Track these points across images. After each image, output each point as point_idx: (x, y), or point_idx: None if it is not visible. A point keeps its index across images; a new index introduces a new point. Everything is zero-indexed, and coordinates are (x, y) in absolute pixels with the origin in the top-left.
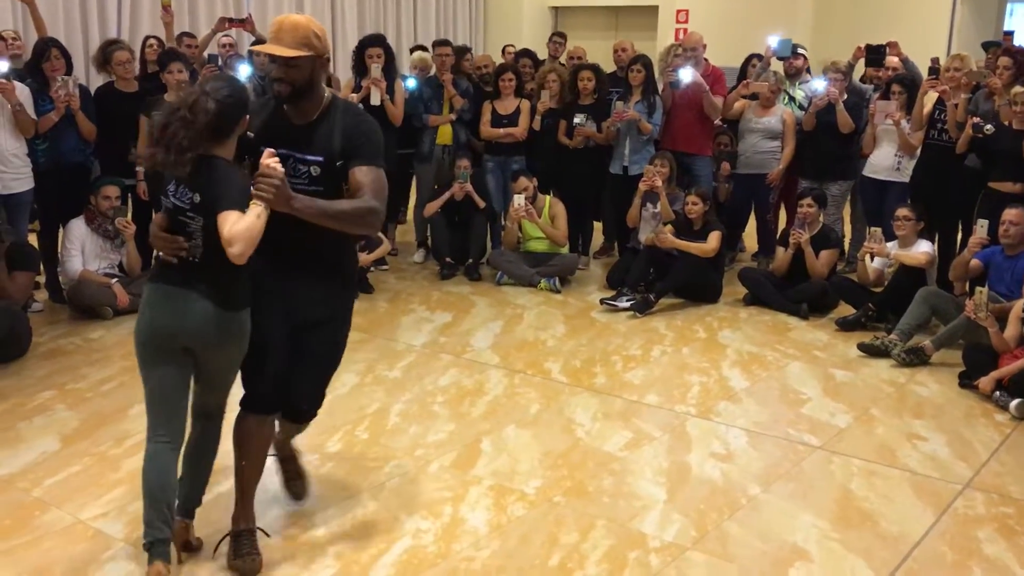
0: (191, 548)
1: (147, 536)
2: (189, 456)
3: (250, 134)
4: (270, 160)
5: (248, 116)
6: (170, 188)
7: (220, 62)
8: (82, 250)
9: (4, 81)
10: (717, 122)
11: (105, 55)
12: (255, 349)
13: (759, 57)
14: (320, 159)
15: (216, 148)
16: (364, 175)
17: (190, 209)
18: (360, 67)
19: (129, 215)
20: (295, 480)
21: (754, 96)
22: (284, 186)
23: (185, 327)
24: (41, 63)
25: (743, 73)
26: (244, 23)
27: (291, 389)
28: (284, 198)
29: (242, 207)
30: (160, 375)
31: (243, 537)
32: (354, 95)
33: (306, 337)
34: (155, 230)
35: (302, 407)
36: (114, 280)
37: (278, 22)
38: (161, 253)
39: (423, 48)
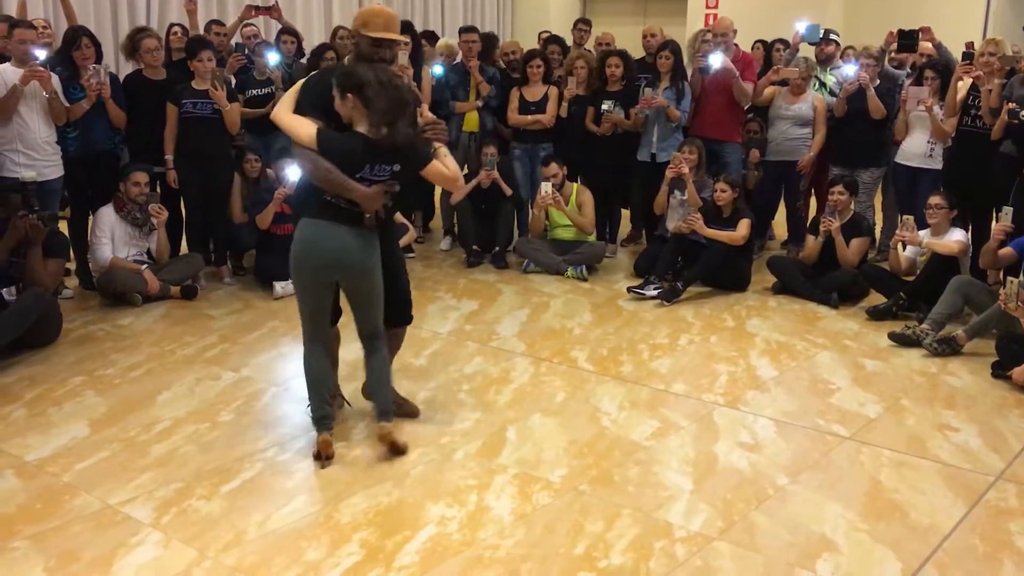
0: (399, 450)
1: (317, 412)
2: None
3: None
4: (428, 112)
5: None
6: (366, 171)
7: (247, 52)
8: (111, 237)
9: (41, 69)
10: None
11: (133, 43)
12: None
13: (784, 43)
14: None
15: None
16: None
17: (390, 177)
18: None
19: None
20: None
21: (784, 82)
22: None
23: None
24: (72, 51)
25: (768, 59)
26: (271, 11)
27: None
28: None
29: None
30: (315, 295)
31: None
32: None
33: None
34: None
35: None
36: (144, 266)
37: (385, 14)
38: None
39: (472, 29)
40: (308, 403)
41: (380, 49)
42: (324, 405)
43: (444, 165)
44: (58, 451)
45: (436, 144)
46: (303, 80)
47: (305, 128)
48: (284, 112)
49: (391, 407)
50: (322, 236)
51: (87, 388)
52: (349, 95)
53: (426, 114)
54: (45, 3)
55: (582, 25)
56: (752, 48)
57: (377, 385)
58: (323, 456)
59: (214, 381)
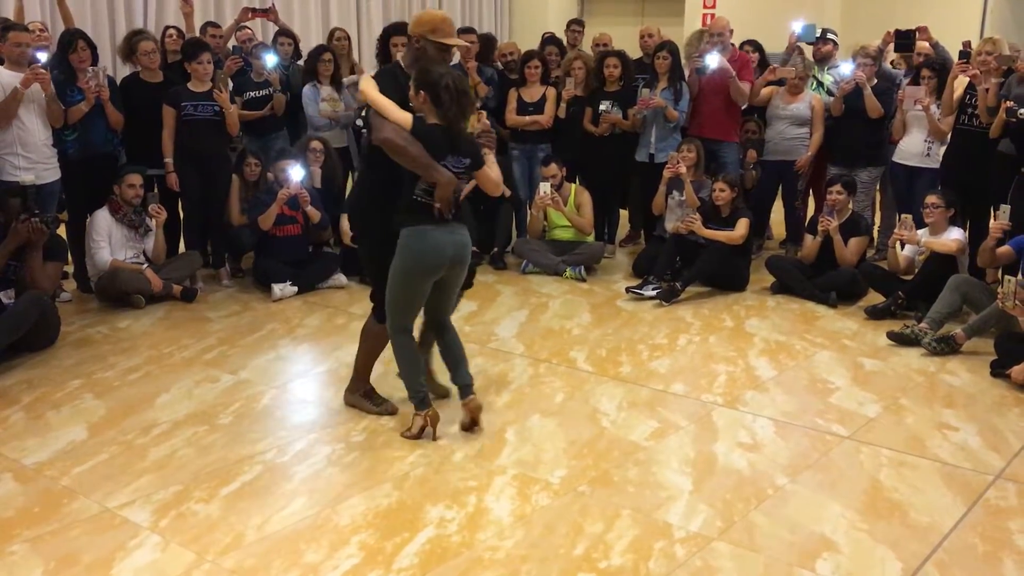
0: (476, 424)
1: (419, 394)
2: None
3: None
4: (486, 120)
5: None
6: (448, 160)
7: (243, 54)
8: (108, 240)
9: (43, 71)
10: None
11: (130, 45)
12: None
13: (752, 43)
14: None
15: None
16: None
17: (463, 171)
18: (385, 56)
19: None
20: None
21: (781, 82)
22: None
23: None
24: (68, 54)
25: (763, 60)
26: (268, 13)
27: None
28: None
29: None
30: (423, 295)
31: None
32: None
33: None
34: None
35: None
36: (144, 266)
37: (447, 19)
38: (439, 204)
39: (470, 30)
40: (408, 389)
41: (446, 53)
42: (421, 387)
43: (490, 170)
44: (56, 454)
45: (485, 150)
46: (376, 72)
47: (401, 112)
48: (375, 91)
49: (471, 380)
50: (443, 241)
51: (85, 391)
52: (422, 92)
53: (483, 121)
54: (42, 6)
55: (575, 26)
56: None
57: (458, 360)
58: (434, 430)
59: (213, 384)
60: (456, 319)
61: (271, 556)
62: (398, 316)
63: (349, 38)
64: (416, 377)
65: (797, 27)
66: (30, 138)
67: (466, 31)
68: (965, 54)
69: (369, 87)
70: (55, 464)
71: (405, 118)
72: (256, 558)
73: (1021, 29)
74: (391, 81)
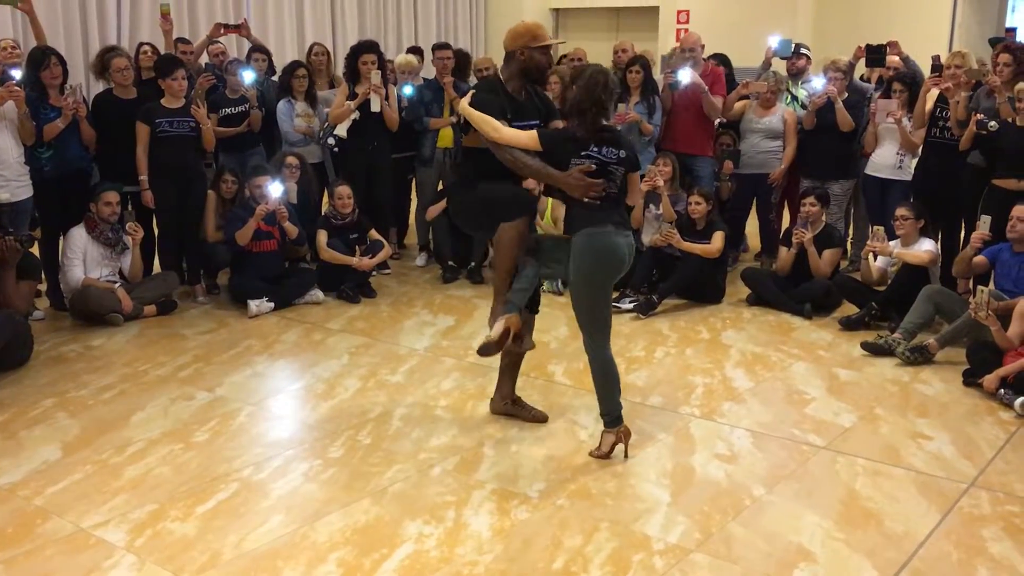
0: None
1: (614, 411)
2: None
3: (508, 115)
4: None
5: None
6: (593, 148)
7: (216, 69)
8: (83, 258)
9: (18, 88)
10: (716, 122)
11: (103, 62)
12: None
13: (717, 57)
14: (537, 122)
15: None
16: None
17: (616, 162)
18: (353, 74)
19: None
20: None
21: (756, 95)
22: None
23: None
24: (40, 71)
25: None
26: (240, 28)
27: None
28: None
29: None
30: (608, 299)
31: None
32: (350, 102)
33: None
34: (581, 177)
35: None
36: (117, 285)
37: (541, 26)
38: (585, 199)
39: (418, 51)
40: (604, 407)
41: (548, 56)
42: (617, 406)
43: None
44: (30, 474)
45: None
46: (476, 86)
47: (522, 135)
48: (498, 128)
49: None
50: (618, 242)
51: (59, 410)
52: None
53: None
54: (14, 23)
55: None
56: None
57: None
58: (625, 446)
59: (188, 401)
60: (434, 333)
61: (248, 574)
62: (596, 329)
63: (328, 53)
64: (614, 395)
65: (773, 42)
66: (2, 156)
67: (441, 47)
68: (937, 67)
69: (470, 110)
70: (28, 484)
71: (517, 137)
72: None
73: (988, 44)
74: (493, 96)
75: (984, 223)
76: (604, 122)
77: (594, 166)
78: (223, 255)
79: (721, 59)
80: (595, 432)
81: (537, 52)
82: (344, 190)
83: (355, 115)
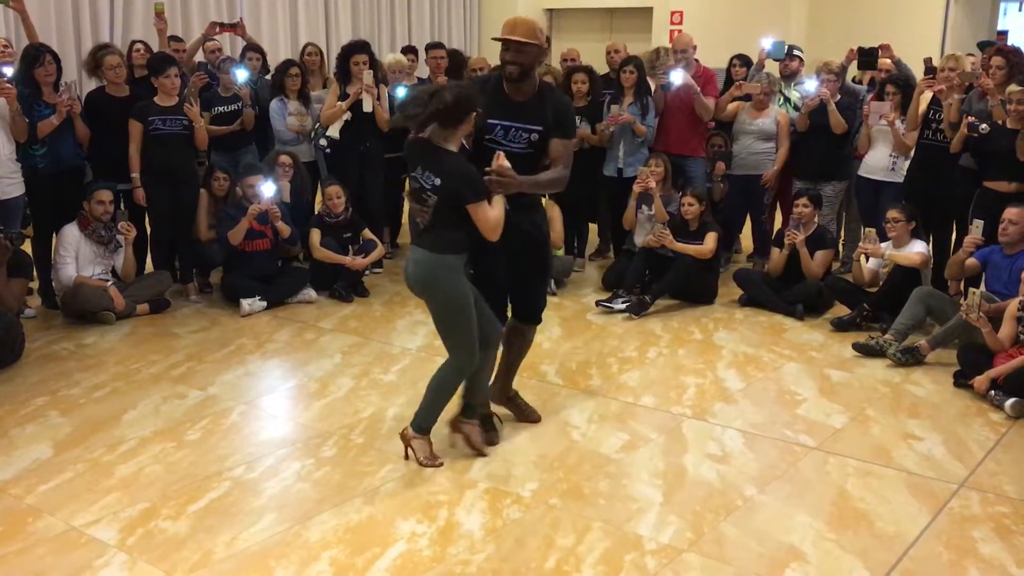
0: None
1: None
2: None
3: (479, 110)
4: (503, 161)
5: (474, 116)
6: (417, 172)
7: (209, 68)
8: (76, 256)
9: (9, 85)
10: (710, 124)
11: (96, 60)
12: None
13: (740, 58)
14: (540, 128)
15: (444, 140)
16: (563, 147)
17: (430, 189)
18: (344, 74)
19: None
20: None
21: (747, 97)
22: (514, 177)
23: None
24: (34, 69)
25: (728, 75)
26: (235, 27)
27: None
28: (516, 185)
29: (483, 196)
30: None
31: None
32: (341, 103)
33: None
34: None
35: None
36: (109, 283)
37: (512, 22)
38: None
39: (412, 50)
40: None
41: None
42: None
43: (487, 210)
44: (21, 473)
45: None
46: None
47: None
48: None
49: (475, 407)
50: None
51: (51, 408)
52: None
53: (502, 164)
54: (6, 22)
55: None
56: (731, 64)
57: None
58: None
59: (180, 400)
60: (426, 333)
61: (240, 573)
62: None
63: (321, 53)
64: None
65: (767, 44)
66: None
67: (435, 47)
68: (931, 70)
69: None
70: (20, 482)
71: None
72: None
73: (978, 48)
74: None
75: (976, 227)
76: (440, 143)
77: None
78: (215, 254)
79: (744, 60)
80: (587, 432)
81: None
82: (334, 190)
83: (347, 115)
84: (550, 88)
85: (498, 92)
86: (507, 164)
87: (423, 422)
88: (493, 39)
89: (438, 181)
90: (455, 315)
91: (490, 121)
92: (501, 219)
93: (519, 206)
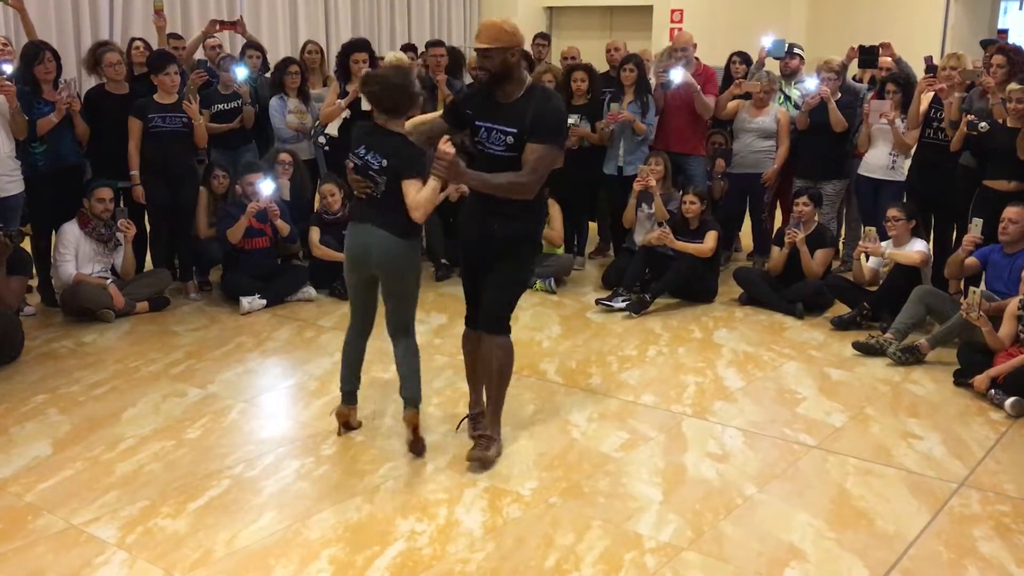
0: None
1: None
2: (399, 366)
3: (468, 112)
4: (445, 146)
5: (418, 106)
6: (360, 150)
7: (209, 65)
8: (76, 254)
9: (9, 83)
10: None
11: (95, 57)
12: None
13: (740, 55)
14: (514, 131)
15: (393, 124)
16: (531, 152)
17: (377, 170)
18: (344, 72)
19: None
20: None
21: (747, 96)
22: (455, 165)
23: (371, 253)
24: (34, 66)
25: (728, 73)
26: (235, 25)
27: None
28: (456, 174)
29: (422, 176)
30: (354, 287)
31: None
32: (341, 100)
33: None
34: (350, 175)
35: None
36: (109, 281)
37: (480, 27)
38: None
39: (412, 48)
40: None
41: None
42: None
43: (419, 189)
44: (20, 470)
45: (432, 175)
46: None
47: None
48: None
49: (414, 399)
50: (351, 238)
51: (50, 406)
52: None
53: (442, 149)
54: (4, 18)
55: (540, 40)
56: (731, 61)
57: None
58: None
59: (180, 398)
60: (426, 331)
61: (240, 572)
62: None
63: (321, 51)
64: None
65: (767, 42)
66: None
67: (435, 44)
68: (932, 68)
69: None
70: (19, 480)
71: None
72: (225, 574)
73: (980, 46)
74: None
75: (976, 226)
76: (392, 128)
77: (352, 164)
78: (215, 252)
79: (743, 57)
80: (587, 430)
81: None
82: (328, 188)
83: (346, 114)
84: (542, 91)
85: (487, 93)
86: (450, 149)
87: (419, 396)
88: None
89: (385, 162)
90: (416, 293)
91: (476, 123)
92: (427, 201)
93: (495, 211)
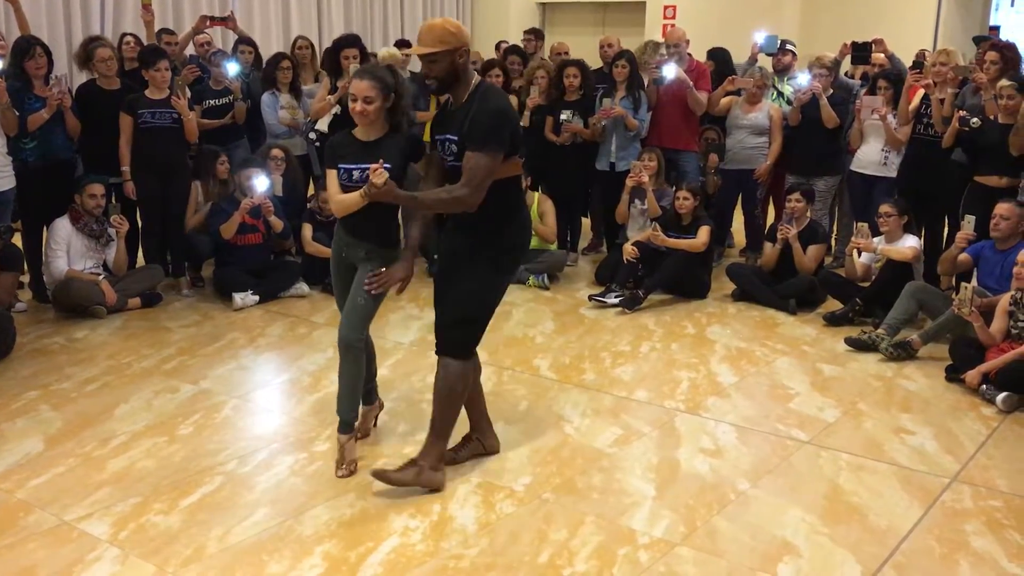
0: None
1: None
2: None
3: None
4: (377, 168)
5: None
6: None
7: (200, 61)
8: (67, 250)
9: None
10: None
11: (87, 52)
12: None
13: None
14: (455, 138)
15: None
16: (467, 159)
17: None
18: (335, 68)
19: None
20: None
21: (738, 92)
22: (388, 186)
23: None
24: (24, 61)
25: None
26: (226, 21)
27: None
28: (385, 194)
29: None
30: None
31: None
32: (331, 96)
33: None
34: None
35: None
36: (101, 277)
37: (420, 28)
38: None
39: (407, 43)
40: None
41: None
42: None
43: (337, 191)
44: (11, 467)
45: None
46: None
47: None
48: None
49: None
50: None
51: (42, 402)
52: None
53: (373, 170)
54: None
55: (528, 35)
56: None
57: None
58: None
59: (172, 394)
60: (420, 327)
61: (233, 568)
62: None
63: (312, 47)
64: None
65: (760, 38)
66: None
67: None
68: (918, 64)
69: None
70: (11, 477)
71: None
72: (218, 570)
73: (973, 42)
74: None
75: (969, 223)
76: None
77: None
78: (206, 246)
79: (720, 54)
80: (580, 426)
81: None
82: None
83: (336, 109)
84: (484, 91)
85: (445, 104)
86: (381, 176)
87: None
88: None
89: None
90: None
91: (435, 136)
92: (343, 202)
93: (458, 223)
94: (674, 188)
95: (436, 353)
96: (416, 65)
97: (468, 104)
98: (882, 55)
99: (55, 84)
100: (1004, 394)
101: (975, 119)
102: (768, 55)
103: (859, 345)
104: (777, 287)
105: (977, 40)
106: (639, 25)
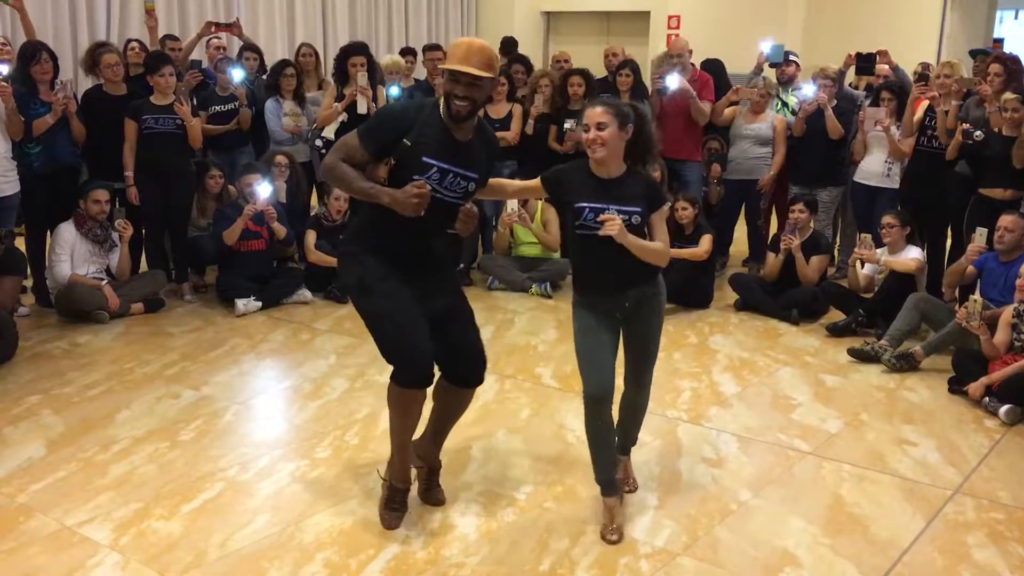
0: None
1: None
2: None
3: (407, 142)
4: (419, 186)
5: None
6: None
7: (206, 66)
8: (71, 255)
9: (5, 84)
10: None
11: (93, 58)
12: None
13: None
14: (477, 176)
15: None
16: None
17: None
18: (342, 75)
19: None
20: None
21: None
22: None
23: None
24: (30, 66)
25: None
26: (231, 27)
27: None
28: (420, 209)
29: None
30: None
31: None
32: (337, 104)
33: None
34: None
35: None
36: (104, 282)
37: (466, 44)
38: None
39: (411, 51)
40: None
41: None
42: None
43: None
44: (13, 472)
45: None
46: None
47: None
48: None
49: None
50: None
51: (44, 407)
52: None
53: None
54: (3, 20)
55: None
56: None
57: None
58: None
59: (174, 400)
60: None
61: (234, 574)
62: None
63: (316, 54)
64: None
65: (766, 47)
66: None
67: (432, 48)
68: (923, 76)
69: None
70: (12, 481)
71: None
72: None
73: (969, 56)
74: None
75: (980, 235)
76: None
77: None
78: (209, 250)
79: (713, 65)
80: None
81: (446, 75)
82: (337, 192)
83: (343, 117)
84: (483, 123)
85: (437, 126)
86: (423, 190)
87: None
88: (441, 67)
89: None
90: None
91: (425, 160)
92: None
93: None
94: (675, 198)
95: (476, 385)
96: (420, 73)
97: (477, 137)
98: (887, 66)
99: (60, 89)
100: (1007, 406)
101: (978, 132)
102: (773, 65)
103: (862, 356)
104: (780, 297)
105: (973, 53)
106: (643, 35)
